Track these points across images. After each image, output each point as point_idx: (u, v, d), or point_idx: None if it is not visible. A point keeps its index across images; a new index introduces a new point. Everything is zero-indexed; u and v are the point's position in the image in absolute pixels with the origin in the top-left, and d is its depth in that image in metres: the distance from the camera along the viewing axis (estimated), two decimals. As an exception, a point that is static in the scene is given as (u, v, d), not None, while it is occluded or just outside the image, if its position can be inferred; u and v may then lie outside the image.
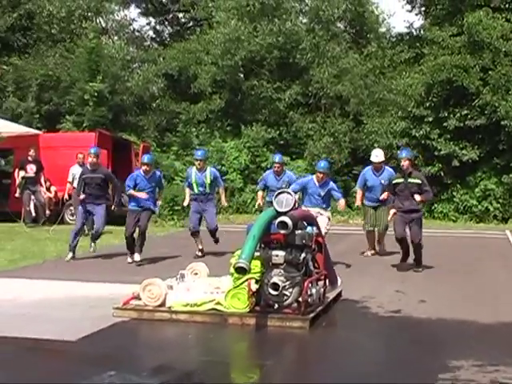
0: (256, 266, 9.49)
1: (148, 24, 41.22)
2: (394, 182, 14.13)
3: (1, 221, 22.19)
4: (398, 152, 15.34)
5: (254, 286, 9.57)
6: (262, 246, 9.69)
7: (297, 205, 10.19)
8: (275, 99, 31.77)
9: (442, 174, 28.68)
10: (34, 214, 21.90)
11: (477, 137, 28.58)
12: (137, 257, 14.73)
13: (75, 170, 19.79)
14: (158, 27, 41.46)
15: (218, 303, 9.69)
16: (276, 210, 9.73)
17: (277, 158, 16.35)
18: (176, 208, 24.17)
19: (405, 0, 33.79)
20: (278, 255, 9.51)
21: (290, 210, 9.69)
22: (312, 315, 9.50)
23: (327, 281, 10.69)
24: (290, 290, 9.41)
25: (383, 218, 15.41)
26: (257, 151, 30.94)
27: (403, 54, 32.24)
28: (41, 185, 22.15)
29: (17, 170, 22.55)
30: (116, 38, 37.12)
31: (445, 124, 28.36)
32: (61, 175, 21.47)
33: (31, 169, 22.06)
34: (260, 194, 16.87)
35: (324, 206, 14.32)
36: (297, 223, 9.73)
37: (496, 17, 28.53)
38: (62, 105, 31.48)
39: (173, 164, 30.14)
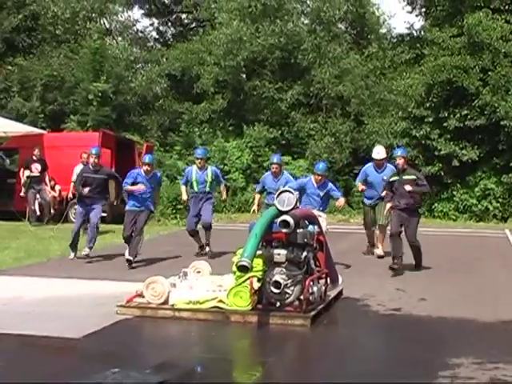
0: (258, 264, 9.50)
1: (151, 25, 41.29)
2: (390, 180, 14.05)
3: (6, 219, 22.19)
4: (394, 151, 15.16)
5: (256, 284, 9.58)
6: (264, 244, 9.70)
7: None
8: (277, 99, 31.75)
9: (442, 173, 28.64)
10: (38, 213, 21.90)
11: (477, 137, 28.54)
12: (127, 254, 14.22)
13: (79, 170, 19.77)
14: (161, 28, 41.50)
15: (221, 301, 9.70)
16: (278, 209, 9.73)
17: (275, 158, 16.01)
18: (179, 207, 24.16)
19: (405, 1, 33.79)
20: (280, 254, 9.52)
21: (292, 209, 9.69)
22: (313, 313, 9.51)
23: (328, 279, 10.69)
24: (292, 288, 9.42)
25: (382, 212, 15.22)
26: (259, 151, 30.90)
27: (404, 54, 32.21)
28: (45, 184, 22.15)
29: (22, 170, 22.56)
30: (120, 38, 37.11)
31: (445, 124, 28.32)
32: (65, 174, 21.45)
33: (36, 168, 22.06)
34: (257, 197, 16.48)
35: (321, 207, 14.12)
36: (298, 222, 9.74)
37: (496, 18, 28.49)
38: (66, 105, 31.49)
39: (176, 163, 30.11)
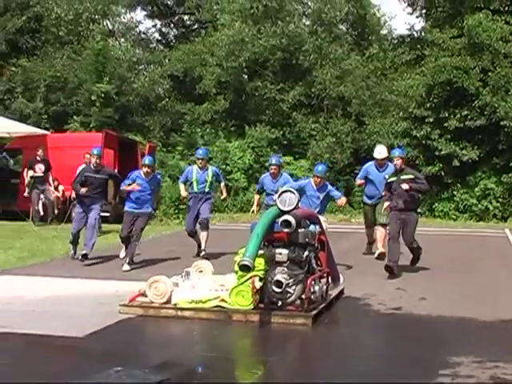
0: (260, 263, 9.51)
1: (154, 26, 41.31)
2: (388, 180, 13.92)
3: (10, 219, 22.22)
4: (391, 151, 14.96)
5: (258, 284, 9.58)
6: (266, 244, 9.69)
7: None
8: (279, 100, 31.79)
9: (443, 173, 28.65)
10: (42, 213, 21.90)
11: (477, 137, 28.54)
12: (126, 267, 13.83)
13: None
14: (163, 29, 41.51)
15: (223, 300, 9.70)
16: (279, 209, 9.73)
17: (273, 160, 15.75)
18: (181, 207, 24.15)
19: (406, 3, 33.79)
20: (282, 253, 9.52)
21: (294, 209, 9.69)
22: (315, 312, 9.51)
23: (330, 278, 10.69)
24: (294, 287, 9.42)
25: (381, 210, 15.07)
26: (261, 151, 30.92)
27: (404, 55, 32.21)
28: (49, 184, 22.14)
29: (26, 170, 22.56)
30: (122, 40, 37.18)
31: (445, 124, 28.32)
32: (68, 175, 21.36)
33: (40, 168, 22.06)
34: (256, 197, 16.24)
35: (320, 210, 13.88)
36: (300, 222, 9.74)
37: (495, 19, 28.48)
38: (69, 105, 31.50)
39: (178, 164, 30.12)
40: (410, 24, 33.96)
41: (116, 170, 22.55)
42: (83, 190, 14.75)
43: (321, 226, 10.73)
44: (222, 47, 31.94)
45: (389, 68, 32.93)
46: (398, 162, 13.62)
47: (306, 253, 9.68)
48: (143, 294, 10.08)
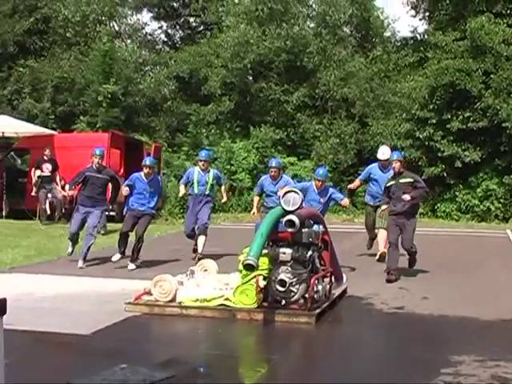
0: (264, 263, 9.52)
1: (160, 28, 41.26)
2: (387, 185, 13.61)
3: (17, 218, 22.25)
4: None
5: (262, 283, 9.59)
6: (270, 243, 9.71)
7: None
8: (283, 101, 31.77)
9: (445, 174, 28.63)
10: (49, 212, 21.92)
11: (479, 139, 28.50)
12: (131, 266, 13.94)
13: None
14: (169, 31, 41.49)
15: (227, 299, 9.71)
16: (283, 209, 9.74)
17: (273, 162, 15.37)
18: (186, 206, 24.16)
19: (409, 5, 33.71)
20: (286, 253, 9.53)
21: (297, 209, 9.70)
22: (318, 311, 9.52)
23: (333, 278, 10.70)
24: (297, 286, 9.43)
25: (383, 217, 14.93)
26: (265, 152, 30.90)
27: (407, 57, 32.18)
28: (56, 183, 22.14)
29: (33, 169, 22.58)
30: (129, 41, 37.17)
31: (448, 126, 28.30)
32: (75, 174, 21.45)
33: (47, 168, 22.08)
34: (256, 199, 15.79)
35: (321, 213, 13.78)
36: (304, 222, 9.75)
37: (498, 22, 28.46)
38: (76, 106, 31.53)
39: (183, 164, 30.11)
40: (414, 26, 33.85)
41: (122, 170, 22.71)
42: (70, 192, 14.65)
43: (324, 226, 10.74)
44: (227, 49, 31.93)
45: (392, 70, 32.89)
46: (397, 165, 13.38)
47: (310, 252, 9.69)
48: (148, 293, 10.10)
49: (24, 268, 13.69)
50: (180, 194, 16.27)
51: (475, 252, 17.66)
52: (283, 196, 9.93)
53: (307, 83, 32.28)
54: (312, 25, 34.89)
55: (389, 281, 12.69)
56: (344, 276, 11.42)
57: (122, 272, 13.28)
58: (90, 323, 8.98)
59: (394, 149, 18.74)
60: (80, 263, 14.04)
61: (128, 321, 9.39)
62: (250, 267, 9.13)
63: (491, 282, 12.98)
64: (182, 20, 40.95)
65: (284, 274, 9.37)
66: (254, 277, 9.52)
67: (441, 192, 29.07)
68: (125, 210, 14.76)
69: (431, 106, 28.66)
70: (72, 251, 14.55)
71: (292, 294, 9.45)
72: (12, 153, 26.51)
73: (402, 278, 12.95)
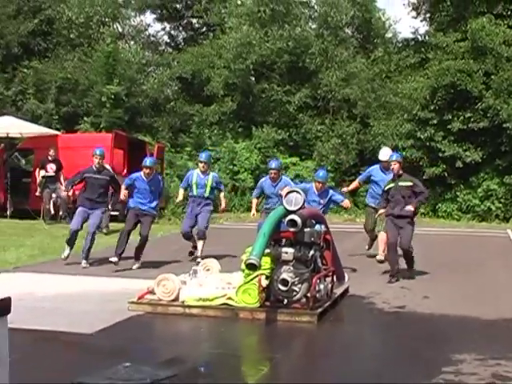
0: (266, 262, 9.52)
1: (163, 29, 41.23)
2: (385, 188, 13.35)
3: (21, 218, 22.25)
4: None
5: (265, 282, 9.58)
6: (272, 243, 9.71)
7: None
8: (285, 102, 31.76)
9: (446, 174, 28.64)
10: (52, 212, 21.93)
11: (480, 139, 28.50)
12: (135, 266, 13.87)
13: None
14: (172, 32, 41.47)
15: (230, 298, 9.71)
16: (286, 209, 9.73)
17: (273, 164, 14.86)
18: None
19: (410, 7, 33.68)
20: (288, 252, 9.52)
21: (299, 209, 9.69)
22: (320, 310, 9.52)
23: (335, 277, 10.70)
24: (299, 285, 9.43)
25: (383, 220, 14.77)
26: (267, 152, 30.91)
27: (409, 58, 32.16)
28: (60, 183, 22.12)
29: (37, 170, 22.60)
30: (132, 42, 37.16)
31: (449, 126, 28.30)
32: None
33: (51, 168, 22.08)
34: (254, 201, 15.55)
35: None
36: (306, 221, 9.74)
37: (498, 23, 28.45)
38: (80, 107, 31.53)
39: (186, 164, 30.11)
40: (415, 28, 33.78)
41: (125, 170, 22.71)
42: (63, 194, 14.36)
43: (326, 226, 10.74)
44: (229, 50, 31.93)
45: (393, 71, 32.87)
46: (396, 166, 13.11)
47: (312, 252, 9.68)
48: (151, 292, 10.10)
49: (28, 267, 13.69)
50: (177, 199, 16.07)
51: (476, 252, 17.65)
52: (285, 196, 9.93)
53: (309, 84, 32.28)
54: (314, 26, 34.91)
55: (390, 282, 12.66)
56: (346, 275, 11.42)
57: (126, 271, 13.27)
58: (94, 322, 8.98)
59: (394, 149, 18.74)
60: (83, 263, 13.95)
61: (131, 320, 9.39)
62: (252, 267, 9.13)
63: (492, 282, 12.96)
64: (185, 21, 40.94)
65: (286, 274, 9.37)
66: (257, 276, 9.52)
67: (442, 192, 29.08)
68: (126, 209, 14.62)
69: (432, 107, 28.66)
70: (68, 255, 14.14)
71: (294, 293, 9.45)
72: (16, 153, 26.54)
73: (403, 277, 12.93)
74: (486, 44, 27.94)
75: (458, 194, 28.82)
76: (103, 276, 12.77)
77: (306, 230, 9.70)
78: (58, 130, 28.22)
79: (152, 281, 10.22)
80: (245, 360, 8.35)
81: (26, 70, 32.82)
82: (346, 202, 14.00)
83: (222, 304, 9.73)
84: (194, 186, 14.97)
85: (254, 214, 15.39)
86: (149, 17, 46.71)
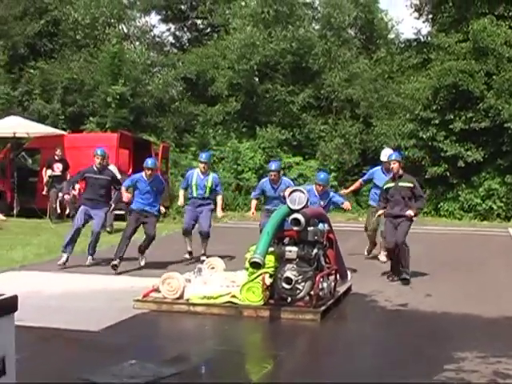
0: (270, 261, 9.53)
1: (168, 30, 41.22)
2: (385, 187, 13.07)
3: (28, 217, 22.28)
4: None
5: (268, 280, 9.60)
6: (276, 241, 9.72)
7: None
8: (289, 102, 31.78)
9: (448, 174, 28.60)
10: (59, 211, 21.95)
11: (481, 139, 28.47)
12: (142, 261, 13.79)
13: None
14: (177, 33, 41.46)
15: (234, 296, 9.72)
16: (289, 208, 9.74)
17: (273, 166, 14.57)
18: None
19: (413, 8, 33.61)
20: (291, 251, 9.53)
21: (303, 208, 9.69)
22: (323, 308, 9.52)
23: (338, 275, 10.70)
24: (303, 284, 9.43)
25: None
26: (271, 151, 30.93)
27: (411, 59, 32.09)
28: (67, 183, 22.18)
29: (44, 169, 22.64)
30: (137, 43, 37.16)
31: (451, 126, 28.27)
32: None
33: (58, 167, 22.12)
34: (254, 202, 15.20)
35: None
36: (309, 220, 9.74)
37: (500, 24, 28.41)
38: (85, 107, 31.55)
39: (191, 164, 30.10)
40: (417, 28, 33.67)
41: (130, 170, 22.72)
42: (67, 197, 14.06)
43: (329, 225, 10.74)
44: (233, 50, 31.93)
45: (396, 71, 32.84)
46: (395, 165, 12.80)
47: (315, 250, 9.69)
48: (157, 290, 10.10)
49: (34, 266, 13.69)
50: (179, 203, 15.76)
51: (478, 250, 17.65)
52: (289, 195, 9.93)
53: (312, 84, 32.30)
54: (317, 27, 34.95)
55: (393, 280, 12.60)
56: (348, 274, 11.42)
57: (131, 270, 13.27)
58: (99, 320, 8.99)
59: (396, 149, 18.68)
60: (89, 259, 13.98)
61: (136, 318, 9.40)
62: (256, 265, 9.14)
63: (494, 281, 12.96)
64: (190, 22, 40.95)
65: (290, 272, 9.37)
66: (261, 274, 9.53)
67: (444, 191, 29.06)
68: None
69: (434, 107, 28.63)
70: (66, 260, 13.62)
71: (298, 291, 9.45)
72: (23, 153, 26.58)
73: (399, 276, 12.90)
74: (488, 45, 27.91)
75: (459, 193, 28.79)
76: (109, 274, 12.77)
77: (309, 228, 9.70)
78: (64, 129, 28.27)
79: (157, 279, 10.23)
80: (249, 357, 8.35)
81: (32, 71, 32.87)
82: (347, 204, 13.85)
83: (227, 302, 9.74)
84: (194, 188, 14.78)
85: (253, 213, 15.06)
86: (154, 18, 46.59)
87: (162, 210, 14.73)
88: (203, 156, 15.22)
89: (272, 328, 9.25)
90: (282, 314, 9.40)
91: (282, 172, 15.47)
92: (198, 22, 40.97)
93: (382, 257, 14.66)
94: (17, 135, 24.58)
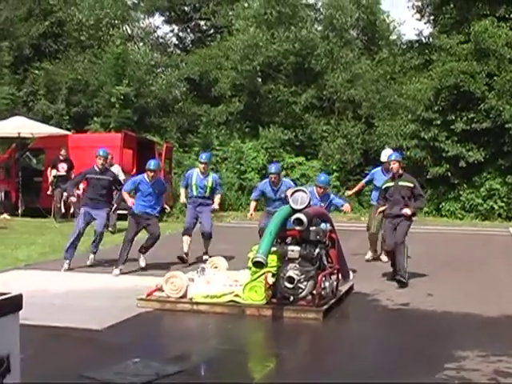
0: (273, 260, 9.55)
1: (171, 31, 41.24)
2: (384, 186, 12.92)
3: (32, 216, 22.31)
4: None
5: (271, 280, 9.60)
6: (279, 241, 9.73)
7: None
8: (291, 102, 31.75)
9: (450, 174, 28.58)
10: (63, 211, 21.97)
11: (482, 139, 28.45)
12: (142, 262, 13.53)
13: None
14: (180, 34, 41.48)
15: (237, 295, 9.73)
16: (292, 208, 9.75)
17: (273, 168, 14.36)
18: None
19: (414, 9, 33.55)
20: (294, 250, 9.54)
21: (305, 208, 9.70)
22: (325, 307, 9.53)
23: (340, 275, 10.71)
24: (305, 283, 9.44)
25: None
26: (274, 152, 30.93)
27: (413, 60, 32.06)
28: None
29: (49, 169, 22.67)
30: (141, 44, 37.18)
31: (452, 127, 28.25)
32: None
33: (62, 167, 22.15)
34: (253, 204, 15.06)
35: None
36: (311, 220, 9.75)
37: (501, 26, 28.38)
38: (90, 107, 31.57)
39: (194, 164, 30.10)
40: (419, 30, 33.71)
41: (134, 170, 22.74)
42: (73, 199, 13.83)
43: (331, 225, 10.75)
44: (236, 51, 31.90)
45: (398, 72, 32.80)
46: (395, 165, 12.67)
47: (317, 250, 9.70)
48: (160, 289, 10.12)
49: (39, 265, 13.71)
50: (181, 200, 15.67)
51: (479, 250, 17.64)
52: (291, 195, 9.95)
53: (315, 85, 32.26)
54: (319, 28, 34.87)
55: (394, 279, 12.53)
56: (350, 273, 11.42)
57: (134, 269, 13.27)
58: (103, 318, 9.00)
59: (397, 149, 18.66)
60: (91, 257, 13.84)
61: (140, 316, 9.42)
62: (259, 264, 9.15)
63: (494, 280, 12.94)
64: (193, 23, 40.95)
65: (292, 271, 9.38)
66: (263, 274, 9.55)
67: (445, 191, 29.04)
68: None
69: (436, 108, 28.61)
70: (68, 266, 13.38)
71: (300, 290, 9.46)
72: (27, 153, 26.61)
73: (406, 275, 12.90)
74: (489, 46, 27.88)
75: (461, 193, 28.77)
76: (112, 273, 12.78)
77: (311, 228, 9.72)
78: (68, 130, 28.31)
79: (160, 278, 10.25)
80: (251, 356, 8.37)
81: (37, 72, 32.92)
82: (347, 206, 13.77)
83: (230, 301, 9.75)
84: (194, 187, 14.68)
85: (251, 215, 14.82)
86: (157, 19, 46.77)
87: (167, 208, 14.67)
88: (203, 156, 15.08)
89: (274, 327, 9.27)
90: (284, 312, 9.41)
91: (282, 174, 15.32)
92: (202, 23, 40.98)
93: (384, 257, 14.63)
94: (21, 135, 24.60)
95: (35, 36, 33.80)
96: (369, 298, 11.04)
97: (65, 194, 21.70)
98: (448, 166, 28.51)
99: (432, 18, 33.50)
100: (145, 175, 13.65)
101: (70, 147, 23.26)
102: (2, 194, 23.85)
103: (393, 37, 36.02)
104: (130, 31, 37.17)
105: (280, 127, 31.41)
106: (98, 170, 14.08)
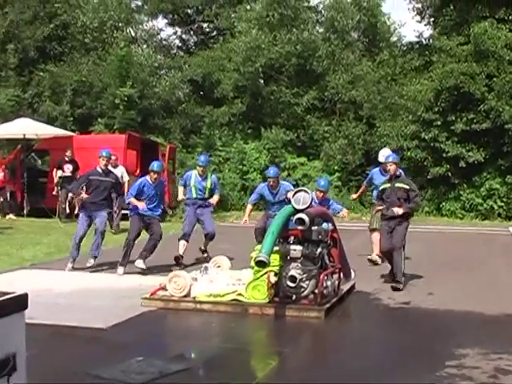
0: (275, 259, 9.55)
1: (174, 33, 41.20)
2: (381, 188, 12.82)
3: (38, 216, 22.32)
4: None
5: (273, 279, 9.61)
6: (281, 241, 9.73)
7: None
8: (293, 104, 31.74)
9: (450, 174, 28.57)
10: (68, 211, 21.97)
11: (482, 139, 28.44)
12: (141, 264, 13.04)
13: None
14: (183, 36, 41.45)
15: (240, 294, 9.73)
16: (294, 207, 9.74)
17: (271, 172, 14.19)
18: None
19: (415, 11, 33.58)
20: (296, 249, 9.54)
21: (307, 208, 9.70)
22: (327, 306, 9.53)
23: (341, 274, 10.71)
24: (307, 282, 9.44)
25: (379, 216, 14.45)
26: (276, 152, 30.92)
27: (413, 61, 32.07)
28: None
29: (54, 170, 22.67)
30: (145, 46, 37.15)
31: (452, 127, 28.24)
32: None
33: (68, 168, 22.15)
34: (249, 208, 15.02)
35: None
36: (313, 220, 9.75)
37: (500, 27, 28.37)
38: (94, 108, 31.57)
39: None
40: (419, 31, 33.73)
41: (138, 171, 22.76)
42: (84, 195, 13.64)
43: (333, 224, 10.75)
44: (239, 53, 31.89)
45: (398, 73, 32.79)
46: (392, 167, 12.54)
47: (319, 249, 9.70)
48: (164, 288, 10.12)
49: (44, 264, 13.72)
50: (179, 198, 15.53)
51: (479, 250, 17.63)
52: (293, 195, 9.95)
53: (316, 86, 32.26)
54: (321, 30, 34.86)
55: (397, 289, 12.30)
56: (352, 272, 11.41)
57: (138, 268, 13.25)
58: (108, 317, 9.00)
59: (397, 150, 18.63)
60: (91, 261, 13.43)
61: (144, 315, 9.42)
62: (261, 264, 9.15)
63: (494, 280, 12.93)
64: (196, 26, 40.93)
65: (294, 270, 9.38)
66: (266, 273, 9.55)
67: (445, 191, 29.03)
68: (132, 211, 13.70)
69: (436, 109, 28.60)
70: (73, 266, 13.30)
71: (302, 289, 9.46)
72: (32, 154, 26.64)
73: (407, 274, 12.87)
74: (489, 47, 27.87)
75: (461, 193, 28.76)
76: (116, 273, 12.77)
77: (313, 228, 9.72)
78: (72, 131, 28.29)
79: (164, 277, 10.26)
80: (254, 354, 8.37)
81: (42, 74, 32.90)
82: (344, 212, 13.76)
83: (232, 300, 9.75)
84: (193, 189, 14.56)
85: (246, 221, 14.67)
86: (161, 21, 46.78)
87: (169, 211, 14.56)
88: (202, 159, 15.00)
89: (277, 325, 9.26)
90: (286, 311, 9.40)
91: (282, 176, 15.24)
92: (204, 25, 40.96)
93: (375, 256, 14.61)
94: (26, 137, 24.64)
95: (40, 38, 33.79)
96: (370, 297, 11.03)
97: (70, 194, 21.73)
98: (448, 166, 28.50)
99: (432, 19, 33.51)
100: (148, 177, 13.48)
101: (75, 148, 23.27)
102: (8, 195, 23.89)
103: (393, 39, 36.03)
104: (133, 33, 37.17)
105: (282, 128, 31.40)
106: (100, 171, 13.89)
